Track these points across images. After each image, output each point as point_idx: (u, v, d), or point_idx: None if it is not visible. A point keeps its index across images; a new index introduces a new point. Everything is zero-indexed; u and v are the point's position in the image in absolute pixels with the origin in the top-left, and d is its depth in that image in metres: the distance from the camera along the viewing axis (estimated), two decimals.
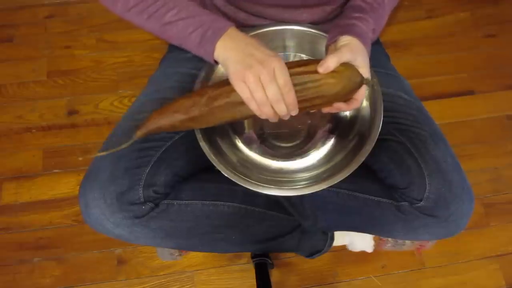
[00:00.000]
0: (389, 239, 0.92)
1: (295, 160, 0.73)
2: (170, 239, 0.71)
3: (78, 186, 0.66)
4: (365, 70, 0.62)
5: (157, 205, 0.67)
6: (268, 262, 1.00)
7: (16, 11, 1.50)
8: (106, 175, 0.64)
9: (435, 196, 0.65)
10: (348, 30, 0.65)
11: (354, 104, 0.64)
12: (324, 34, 0.71)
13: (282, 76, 0.57)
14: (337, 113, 0.75)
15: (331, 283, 1.08)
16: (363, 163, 0.63)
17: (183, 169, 0.70)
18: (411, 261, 1.10)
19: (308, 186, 0.64)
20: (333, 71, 0.59)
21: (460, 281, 1.08)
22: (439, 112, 1.29)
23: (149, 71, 0.90)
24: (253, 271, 1.00)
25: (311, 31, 0.73)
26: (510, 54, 1.43)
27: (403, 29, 1.47)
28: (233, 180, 0.63)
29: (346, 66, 0.60)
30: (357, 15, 0.67)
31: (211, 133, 0.68)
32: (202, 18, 0.62)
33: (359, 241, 0.93)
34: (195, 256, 1.10)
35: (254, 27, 0.75)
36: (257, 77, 0.57)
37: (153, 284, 1.08)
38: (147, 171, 0.65)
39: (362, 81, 0.62)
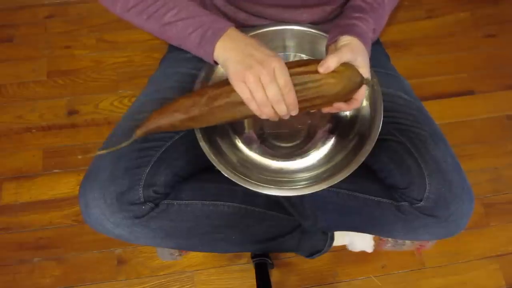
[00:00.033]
0: (389, 239, 0.92)
1: (295, 160, 0.73)
2: (170, 239, 0.71)
3: (78, 186, 0.66)
4: (365, 70, 0.62)
5: (157, 205, 0.67)
6: (268, 262, 1.00)
7: (16, 11, 1.50)
8: (106, 175, 0.64)
9: (435, 196, 0.65)
10: (349, 30, 0.65)
11: (354, 104, 0.64)
12: (324, 34, 0.71)
13: (282, 76, 0.57)
14: (337, 113, 0.75)
15: (331, 283, 1.08)
16: (363, 163, 0.63)
17: (183, 169, 0.70)
18: (411, 261, 1.10)
19: (308, 186, 0.64)
20: (333, 71, 0.59)
21: (460, 281, 1.08)
22: (439, 112, 1.29)
23: (149, 71, 0.90)
24: (253, 271, 1.00)
25: (311, 31, 0.73)
26: (510, 54, 1.43)
27: (403, 29, 1.47)
28: (233, 180, 0.63)
29: (346, 66, 0.60)
30: (357, 15, 0.67)
31: (211, 133, 0.68)
32: (201, 18, 0.62)
33: (359, 241, 0.93)
34: (195, 256, 1.10)
35: (254, 27, 0.75)
36: (257, 77, 0.57)
37: (153, 284, 1.08)
38: (147, 171, 0.65)
39: (362, 81, 0.62)
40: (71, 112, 1.31)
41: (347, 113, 0.75)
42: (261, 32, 0.74)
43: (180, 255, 0.93)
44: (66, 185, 1.20)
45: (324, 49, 0.69)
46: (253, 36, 0.72)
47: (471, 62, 1.41)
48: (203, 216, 0.71)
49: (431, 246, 0.93)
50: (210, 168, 0.66)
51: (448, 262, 1.10)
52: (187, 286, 1.07)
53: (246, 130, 0.76)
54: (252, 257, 1.02)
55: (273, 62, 0.57)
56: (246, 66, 0.57)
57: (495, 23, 1.48)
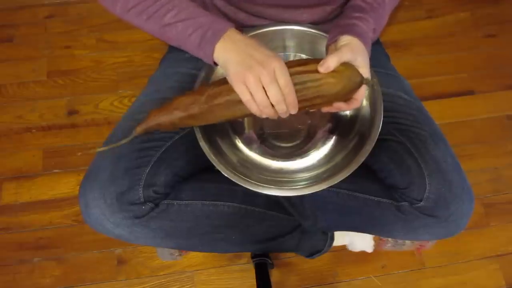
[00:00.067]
0: (389, 239, 0.92)
1: (295, 160, 0.73)
2: (170, 239, 0.71)
3: (78, 186, 0.66)
4: (365, 70, 0.62)
5: (157, 205, 0.67)
6: (268, 262, 1.00)
7: (16, 11, 1.50)
8: (106, 175, 0.64)
9: (435, 196, 0.65)
10: (349, 30, 0.65)
11: (354, 104, 0.64)
12: (324, 34, 0.71)
13: (283, 76, 0.57)
14: (337, 112, 0.75)
15: (331, 283, 1.08)
16: (363, 163, 0.63)
17: (183, 169, 0.70)
18: (411, 261, 1.10)
19: (308, 186, 0.64)
20: (333, 71, 0.59)
21: (460, 281, 1.08)
22: (439, 112, 1.29)
23: (149, 71, 0.90)
24: (253, 271, 1.00)
25: (311, 31, 0.73)
26: (510, 54, 1.43)
27: (403, 29, 1.47)
28: (233, 180, 0.63)
29: (346, 66, 0.60)
30: (357, 15, 0.67)
31: (211, 133, 0.68)
32: (201, 19, 0.62)
33: (359, 241, 0.93)
34: (195, 256, 1.10)
35: (254, 27, 0.75)
36: (257, 78, 0.57)
37: (153, 284, 1.08)
38: (147, 171, 0.65)
39: (362, 81, 0.62)
40: (71, 112, 1.31)
41: (347, 113, 0.75)
42: (261, 32, 0.74)
43: (180, 255, 0.93)
44: (66, 185, 1.20)
45: (324, 49, 0.69)
46: (253, 36, 0.72)
47: (471, 62, 1.41)
48: (203, 216, 0.71)
49: (431, 246, 0.93)
50: (210, 168, 0.66)
51: (448, 262, 1.10)
52: (187, 286, 1.07)
53: (246, 130, 0.76)
54: (252, 257, 1.02)
55: (273, 62, 0.57)
56: (247, 67, 0.57)
57: (495, 23, 1.48)
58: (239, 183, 0.63)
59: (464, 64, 1.40)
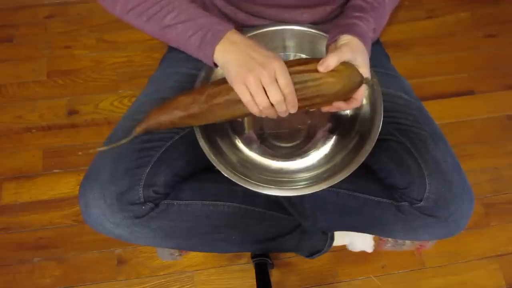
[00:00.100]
0: (389, 239, 0.91)
1: (295, 160, 0.73)
2: (170, 239, 0.71)
3: (78, 186, 0.66)
4: (365, 70, 0.62)
5: (157, 205, 0.67)
6: (268, 262, 1.00)
7: (16, 11, 1.50)
8: (106, 175, 0.64)
9: (435, 196, 0.65)
10: (349, 30, 0.65)
11: (353, 104, 0.64)
12: (324, 34, 0.71)
13: (283, 76, 0.57)
14: (337, 112, 0.75)
15: (331, 283, 1.07)
16: (363, 163, 0.63)
17: (183, 169, 0.70)
18: (411, 261, 1.10)
19: (308, 186, 0.64)
20: (333, 70, 0.59)
21: (460, 281, 1.08)
22: (439, 112, 1.29)
23: (149, 71, 0.90)
24: (253, 271, 1.00)
25: (311, 31, 0.73)
26: (511, 54, 1.43)
27: (404, 29, 1.47)
28: (233, 180, 0.63)
29: (346, 65, 0.60)
30: (357, 14, 0.67)
31: (211, 133, 0.68)
32: (201, 20, 0.62)
33: (359, 241, 0.93)
34: (195, 256, 1.10)
35: (254, 27, 0.74)
36: (257, 79, 0.57)
37: (153, 284, 1.08)
38: (147, 171, 0.65)
39: (362, 80, 0.62)
40: (71, 112, 1.31)
41: (347, 112, 0.74)
42: (261, 32, 0.74)
43: (180, 255, 0.93)
44: (66, 185, 1.20)
45: (324, 49, 0.69)
46: (253, 36, 0.72)
47: (472, 62, 1.41)
48: (203, 216, 0.71)
49: (431, 246, 0.93)
50: (210, 168, 0.66)
51: (448, 262, 1.10)
52: (187, 286, 1.07)
53: (246, 130, 0.76)
54: (252, 257, 1.02)
55: (274, 63, 0.57)
56: (247, 69, 0.57)
57: (495, 23, 1.48)
58: (239, 183, 0.63)
59: (464, 64, 1.40)
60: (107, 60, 1.40)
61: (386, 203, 0.70)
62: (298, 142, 0.76)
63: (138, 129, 0.63)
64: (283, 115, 0.61)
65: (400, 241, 0.92)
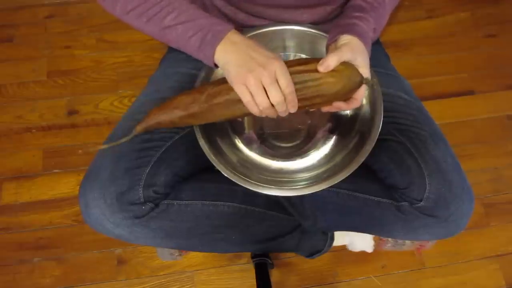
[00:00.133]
0: (389, 239, 0.91)
1: (295, 160, 0.73)
2: (170, 239, 0.71)
3: (78, 186, 0.66)
4: (365, 70, 0.62)
5: (157, 205, 0.67)
6: (268, 262, 1.00)
7: (16, 11, 1.50)
8: (106, 175, 0.64)
9: (435, 196, 0.65)
10: (349, 30, 0.65)
11: (353, 104, 0.64)
12: (324, 34, 0.71)
13: (283, 77, 0.57)
14: (337, 112, 0.75)
15: (331, 283, 1.07)
16: (363, 163, 0.63)
17: (183, 169, 0.70)
18: (411, 261, 1.10)
19: (308, 186, 0.64)
20: (333, 70, 0.59)
21: (460, 281, 1.08)
22: (439, 112, 1.29)
23: (149, 71, 0.90)
24: (253, 271, 1.00)
25: (311, 31, 0.73)
26: (511, 54, 1.43)
27: (404, 29, 1.47)
28: (233, 180, 0.63)
29: (346, 65, 0.60)
30: (357, 14, 0.67)
31: (211, 133, 0.68)
32: (201, 21, 0.62)
33: (359, 241, 0.93)
34: (195, 256, 1.10)
35: (254, 27, 0.74)
36: (258, 80, 0.57)
37: (153, 284, 1.08)
38: (147, 171, 0.65)
39: (362, 80, 0.62)
40: (71, 112, 1.31)
41: (347, 112, 0.74)
42: (261, 32, 0.74)
43: (180, 255, 0.93)
44: (66, 185, 1.20)
45: (324, 49, 0.69)
46: (253, 37, 0.72)
47: (472, 62, 1.41)
48: (203, 216, 0.71)
49: (431, 246, 0.93)
50: (210, 168, 0.66)
51: (448, 262, 1.10)
52: (187, 286, 1.07)
53: (246, 130, 0.76)
54: (252, 257, 1.02)
55: (274, 63, 0.57)
56: (247, 69, 0.57)
57: (495, 23, 1.48)
58: (239, 183, 0.63)
59: (464, 64, 1.40)
60: (107, 60, 1.40)
61: (386, 203, 0.70)
62: (298, 142, 0.76)
63: (138, 128, 0.63)
64: (283, 114, 0.61)
65: (400, 241, 0.92)
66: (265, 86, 0.57)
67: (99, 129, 1.28)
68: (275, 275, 1.08)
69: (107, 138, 0.70)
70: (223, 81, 0.61)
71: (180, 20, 0.62)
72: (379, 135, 0.64)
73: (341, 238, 0.91)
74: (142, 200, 0.64)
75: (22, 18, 1.48)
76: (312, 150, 0.74)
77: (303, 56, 0.77)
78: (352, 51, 0.61)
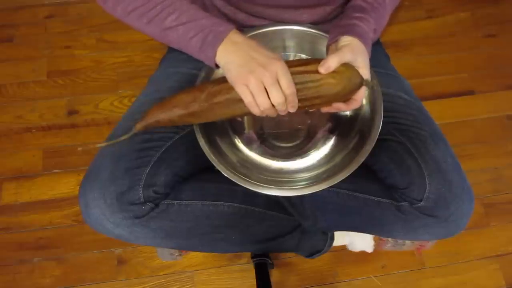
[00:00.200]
0: (389, 239, 0.92)
1: (295, 160, 0.73)
2: (170, 239, 0.71)
3: (78, 186, 0.66)
4: (365, 71, 0.62)
5: (157, 205, 0.67)
6: (268, 262, 1.00)
7: (16, 11, 1.50)
8: (106, 175, 0.64)
9: (435, 196, 0.65)
10: (349, 30, 0.65)
11: (353, 105, 0.64)
12: (324, 34, 0.71)
13: (285, 78, 0.57)
14: (337, 112, 0.75)
15: (331, 283, 1.07)
16: (363, 163, 0.63)
17: (183, 169, 0.70)
18: (411, 261, 1.10)
19: (308, 186, 0.64)
20: (333, 72, 0.59)
21: (460, 281, 1.08)
22: (439, 112, 1.29)
23: (149, 71, 0.90)
24: (253, 271, 1.00)
25: (311, 31, 0.73)
26: (511, 54, 1.43)
27: (404, 29, 1.47)
28: (233, 180, 0.63)
29: (347, 66, 0.60)
30: (358, 15, 0.67)
31: (211, 133, 0.68)
32: (202, 22, 0.62)
33: (359, 241, 0.93)
34: (195, 256, 1.10)
35: (253, 27, 0.74)
36: (259, 80, 0.57)
37: (153, 284, 1.08)
38: (147, 171, 0.65)
39: (362, 82, 0.62)
40: (71, 112, 1.31)
41: (347, 113, 0.74)
42: (261, 32, 0.74)
43: (180, 255, 0.93)
44: (66, 185, 1.20)
45: (324, 49, 0.69)
46: (253, 37, 0.72)
47: (472, 62, 1.41)
48: (203, 216, 0.71)
49: (431, 246, 0.93)
50: (210, 168, 0.66)
51: (448, 262, 1.10)
52: (187, 286, 1.07)
53: (246, 130, 0.76)
54: (252, 257, 1.02)
55: (275, 64, 0.57)
56: (248, 70, 0.57)
57: (495, 23, 1.48)
58: (239, 183, 0.63)
59: (464, 64, 1.40)
60: (107, 60, 1.40)
61: (386, 203, 0.70)
62: (298, 142, 0.76)
63: (138, 126, 0.63)
64: (283, 113, 0.61)
65: (400, 241, 0.92)
66: (266, 87, 0.57)
67: (99, 129, 1.28)
68: (275, 275, 1.08)
69: (107, 138, 0.70)
70: (224, 80, 0.61)
71: (181, 21, 0.62)
72: (379, 135, 0.64)
73: (341, 238, 0.91)
74: (142, 200, 0.64)
75: (22, 18, 1.48)
76: (312, 150, 0.74)
77: (303, 56, 0.77)
78: (353, 52, 0.61)
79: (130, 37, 1.43)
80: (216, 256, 1.10)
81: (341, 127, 0.74)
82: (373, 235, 0.91)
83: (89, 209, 0.64)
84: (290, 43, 0.76)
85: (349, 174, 0.62)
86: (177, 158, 0.69)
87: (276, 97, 0.58)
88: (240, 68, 0.58)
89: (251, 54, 0.59)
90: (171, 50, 0.85)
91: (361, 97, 0.64)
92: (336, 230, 0.87)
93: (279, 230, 0.80)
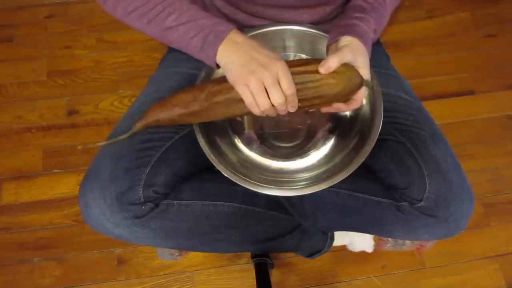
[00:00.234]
0: (389, 239, 0.92)
1: (295, 160, 0.73)
2: (170, 239, 0.71)
3: (78, 186, 0.66)
4: (365, 71, 0.62)
5: (157, 205, 0.67)
6: (268, 262, 1.00)
7: (16, 11, 1.50)
8: (106, 175, 0.64)
9: (435, 196, 0.65)
10: (349, 30, 0.65)
11: (353, 105, 0.64)
12: (324, 34, 0.71)
13: (285, 78, 0.57)
14: (337, 112, 0.75)
15: (331, 283, 1.07)
16: (363, 163, 0.63)
17: (183, 169, 0.70)
18: (411, 261, 1.10)
19: (308, 186, 0.64)
20: (333, 72, 0.59)
21: (460, 281, 1.08)
22: (439, 112, 1.29)
23: (149, 71, 0.90)
24: (253, 271, 1.00)
25: (311, 31, 0.73)
26: (511, 54, 1.43)
27: (404, 29, 1.47)
28: (233, 180, 0.63)
29: (347, 67, 0.60)
30: (358, 15, 0.67)
31: (211, 133, 0.68)
32: (202, 22, 0.62)
33: (359, 241, 0.93)
34: (195, 256, 1.10)
35: (253, 27, 0.74)
36: (260, 81, 0.57)
37: (153, 284, 1.08)
38: (147, 171, 0.65)
39: (362, 82, 0.62)
40: (71, 112, 1.31)
41: (347, 113, 0.74)
42: (261, 32, 0.74)
43: (180, 255, 0.93)
44: (66, 185, 1.20)
45: (324, 49, 0.69)
46: (253, 37, 0.72)
47: (472, 62, 1.41)
48: (203, 216, 0.71)
49: (431, 246, 0.93)
50: (210, 168, 0.66)
51: (448, 262, 1.10)
52: (187, 286, 1.07)
53: (246, 130, 0.76)
54: (252, 257, 1.02)
55: (276, 64, 0.57)
56: (249, 70, 0.57)
57: (495, 23, 1.48)
58: (239, 183, 0.63)
59: (464, 64, 1.40)
60: (107, 60, 1.40)
61: (386, 203, 0.70)
62: (298, 142, 0.76)
63: (138, 125, 0.63)
64: (283, 113, 0.61)
65: (400, 241, 0.92)
66: (266, 87, 0.58)
67: (99, 129, 1.28)
68: (275, 275, 1.08)
69: (106, 138, 0.70)
70: (224, 79, 0.61)
71: (181, 21, 0.62)
72: (379, 135, 0.64)
73: (341, 238, 0.91)
74: (142, 200, 0.64)
75: (22, 18, 1.48)
76: (312, 150, 0.74)
77: (303, 56, 0.77)
78: (353, 53, 0.61)
79: (130, 37, 1.43)
80: (216, 256, 1.10)
81: (341, 127, 0.74)
82: (373, 235, 0.91)
83: (89, 209, 0.64)
84: (290, 43, 0.76)
85: (349, 174, 0.62)
86: (177, 158, 0.69)
87: (277, 98, 0.58)
88: (241, 68, 0.58)
89: (251, 54, 0.58)
90: (171, 50, 0.85)
91: (361, 97, 0.64)
92: (336, 230, 0.87)
93: (279, 230, 0.80)
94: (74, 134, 1.27)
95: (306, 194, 0.63)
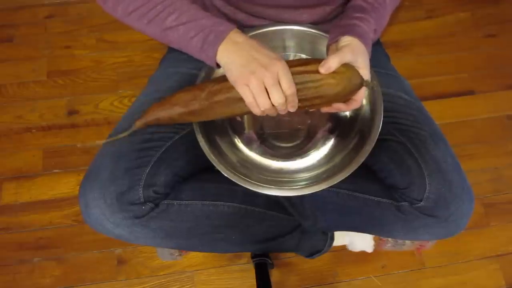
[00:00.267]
0: (389, 239, 0.92)
1: (295, 160, 0.73)
2: (170, 239, 0.71)
3: (78, 186, 0.66)
4: (365, 71, 0.62)
5: (157, 205, 0.67)
6: (268, 262, 1.00)
7: (16, 11, 1.50)
8: (106, 175, 0.64)
9: (435, 196, 0.65)
10: (349, 30, 0.65)
11: (353, 105, 0.64)
12: (324, 34, 0.71)
13: (286, 79, 0.57)
14: (337, 112, 0.75)
15: (331, 283, 1.07)
16: (363, 163, 0.63)
17: (183, 169, 0.70)
18: (411, 261, 1.10)
19: (308, 186, 0.64)
20: (333, 72, 0.59)
21: (460, 281, 1.08)
22: (439, 112, 1.29)
23: (149, 71, 0.90)
24: (253, 271, 1.00)
25: (311, 31, 0.73)
26: (511, 54, 1.43)
27: (404, 29, 1.47)
28: (233, 180, 0.63)
29: (347, 67, 0.60)
30: (358, 15, 0.67)
31: (211, 133, 0.68)
32: (203, 21, 0.62)
33: (359, 241, 0.93)
34: (195, 256, 1.10)
35: (253, 27, 0.74)
36: (260, 81, 0.57)
37: (153, 284, 1.08)
38: (147, 171, 0.65)
39: (362, 82, 0.62)
40: (71, 112, 1.31)
41: (347, 113, 0.74)
42: (261, 32, 0.74)
43: (180, 255, 0.93)
44: (66, 185, 1.20)
45: (324, 49, 0.69)
46: (253, 37, 0.72)
47: (472, 62, 1.41)
48: (203, 216, 0.71)
49: (431, 246, 0.93)
50: (210, 168, 0.66)
51: (448, 262, 1.10)
52: (187, 286, 1.07)
53: (246, 130, 0.76)
54: (252, 257, 1.02)
55: (277, 64, 0.57)
56: (250, 70, 0.57)
57: (495, 23, 1.48)
58: (239, 183, 0.63)
59: (464, 64, 1.40)
60: (107, 60, 1.40)
61: (386, 203, 0.70)
62: (298, 142, 0.76)
63: (138, 124, 0.63)
64: (282, 113, 0.61)
65: (400, 241, 0.92)
66: (267, 87, 0.58)
67: (99, 129, 1.28)
68: (275, 275, 1.08)
69: (107, 138, 0.70)
70: (224, 79, 0.61)
71: (182, 21, 0.62)
72: (379, 135, 0.64)
73: (341, 238, 0.91)
74: (142, 200, 0.64)
75: (22, 18, 1.48)
76: (312, 150, 0.74)
77: (303, 56, 0.77)
78: (353, 53, 0.61)
79: (130, 37, 1.43)
80: (216, 256, 1.10)
81: (341, 127, 0.74)
82: (373, 235, 0.91)
83: (89, 209, 0.64)
84: (290, 43, 0.76)
85: (349, 174, 0.62)
86: (177, 158, 0.69)
87: (277, 98, 0.58)
88: (241, 68, 0.58)
89: (252, 54, 0.58)
90: (171, 50, 0.85)
91: (361, 98, 0.64)
92: (336, 230, 0.87)
93: (279, 230, 0.80)
94: (74, 134, 1.27)
95: (306, 194, 0.63)
